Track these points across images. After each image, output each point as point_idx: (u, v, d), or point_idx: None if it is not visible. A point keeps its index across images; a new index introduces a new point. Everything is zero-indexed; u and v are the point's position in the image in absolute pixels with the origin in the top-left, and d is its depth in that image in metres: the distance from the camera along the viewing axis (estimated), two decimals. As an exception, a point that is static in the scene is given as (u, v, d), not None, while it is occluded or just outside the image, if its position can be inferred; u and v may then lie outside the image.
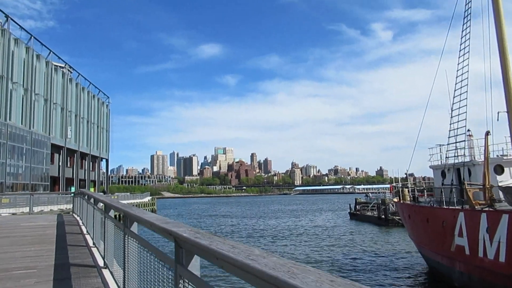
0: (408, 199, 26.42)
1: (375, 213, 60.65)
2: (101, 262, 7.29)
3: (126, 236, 4.77)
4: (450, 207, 19.51)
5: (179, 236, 2.53)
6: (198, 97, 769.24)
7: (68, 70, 77.41)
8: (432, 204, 21.59)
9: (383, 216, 55.87)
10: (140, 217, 3.95)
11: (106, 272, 6.58)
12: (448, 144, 22.42)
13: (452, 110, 21.78)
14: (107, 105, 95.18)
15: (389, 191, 45.39)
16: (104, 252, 6.96)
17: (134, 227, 4.73)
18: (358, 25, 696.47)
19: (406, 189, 26.63)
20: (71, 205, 43.60)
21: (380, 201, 66.06)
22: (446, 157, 22.42)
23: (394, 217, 54.47)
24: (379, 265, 25.60)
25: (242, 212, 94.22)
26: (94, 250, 8.61)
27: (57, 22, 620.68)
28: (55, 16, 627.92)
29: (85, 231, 11.80)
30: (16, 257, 8.01)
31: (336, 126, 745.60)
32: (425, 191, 25.76)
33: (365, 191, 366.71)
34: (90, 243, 9.48)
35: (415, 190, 25.03)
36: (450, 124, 21.56)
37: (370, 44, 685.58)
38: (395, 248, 32.02)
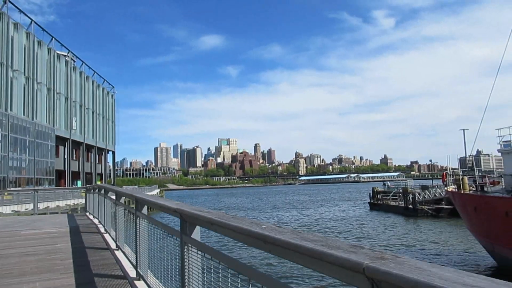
0: (468, 188, 22.90)
1: (400, 202, 57.14)
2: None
3: None
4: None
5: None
6: (201, 89, 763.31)
7: (71, 58, 73.72)
8: (514, 195, 18.06)
9: (410, 206, 52.38)
10: None
11: None
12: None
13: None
14: (112, 95, 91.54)
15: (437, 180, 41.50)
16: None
17: None
18: (360, 12, 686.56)
19: (466, 178, 23.11)
20: (81, 201, 40.31)
21: (401, 190, 62.79)
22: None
23: (423, 206, 51.06)
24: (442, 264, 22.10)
25: (252, 204, 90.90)
26: (141, 286, 5.08)
27: (58, 16, 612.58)
28: (56, 10, 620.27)
29: (112, 244, 8.26)
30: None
31: (339, 115, 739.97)
32: (502, 178, 22.06)
33: (371, 179, 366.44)
34: (129, 270, 5.97)
35: (486, 177, 21.41)
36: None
37: (372, 32, 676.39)
38: (446, 243, 28.42)
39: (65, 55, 69.77)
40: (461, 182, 22.76)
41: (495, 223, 19.00)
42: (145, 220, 5.19)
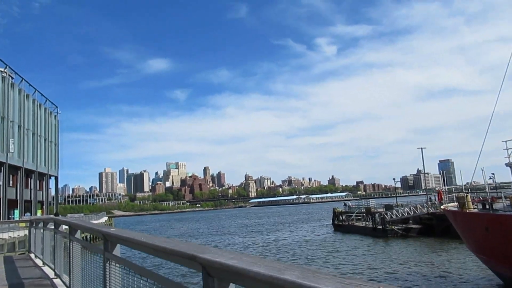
0: (472, 207, 20.88)
1: (367, 223, 55.45)
2: None
3: None
4: None
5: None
6: (147, 113, 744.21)
7: (9, 75, 66.99)
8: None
9: (379, 226, 50.68)
10: None
11: None
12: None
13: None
14: (55, 116, 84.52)
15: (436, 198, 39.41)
16: None
17: None
18: (304, 40, 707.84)
19: (469, 196, 21.10)
20: (20, 233, 34.68)
21: (363, 210, 61.42)
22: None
23: (393, 227, 49.51)
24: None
25: (204, 229, 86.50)
26: None
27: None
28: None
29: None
30: None
31: (286, 138, 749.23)
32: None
33: (320, 200, 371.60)
34: None
35: (502, 194, 19.36)
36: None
37: (316, 58, 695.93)
38: (444, 267, 26.13)
39: (1, 71, 63.19)
40: (465, 200, 20.69)
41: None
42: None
